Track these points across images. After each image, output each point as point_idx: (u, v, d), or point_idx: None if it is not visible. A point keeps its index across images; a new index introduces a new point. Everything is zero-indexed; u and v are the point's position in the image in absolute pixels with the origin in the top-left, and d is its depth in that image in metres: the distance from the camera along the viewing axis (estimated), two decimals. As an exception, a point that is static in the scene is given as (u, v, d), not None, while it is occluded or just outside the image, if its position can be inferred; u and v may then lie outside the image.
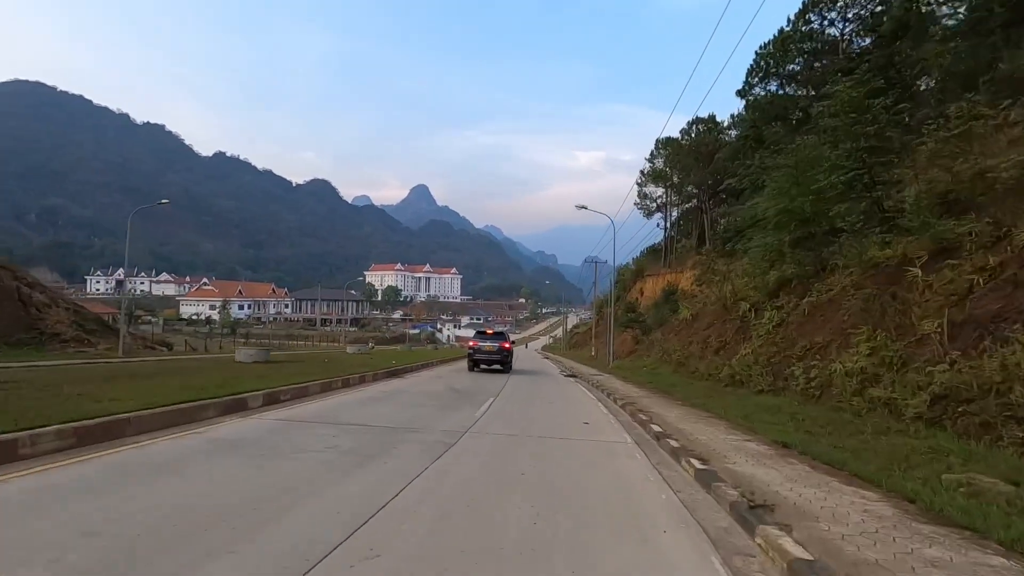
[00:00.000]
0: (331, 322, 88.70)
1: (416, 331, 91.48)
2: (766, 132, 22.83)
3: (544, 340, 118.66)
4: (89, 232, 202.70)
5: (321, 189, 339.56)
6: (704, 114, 33.29)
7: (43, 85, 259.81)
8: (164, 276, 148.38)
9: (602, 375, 20.80)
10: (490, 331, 23.51)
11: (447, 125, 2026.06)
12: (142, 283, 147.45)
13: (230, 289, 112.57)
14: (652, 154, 36.04)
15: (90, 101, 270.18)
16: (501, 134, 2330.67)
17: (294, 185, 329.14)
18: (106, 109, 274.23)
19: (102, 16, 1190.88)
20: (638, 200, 38.34)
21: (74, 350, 15.56)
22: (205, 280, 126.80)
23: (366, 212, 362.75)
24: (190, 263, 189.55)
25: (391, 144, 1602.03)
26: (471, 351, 21.26)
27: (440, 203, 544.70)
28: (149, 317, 60.97)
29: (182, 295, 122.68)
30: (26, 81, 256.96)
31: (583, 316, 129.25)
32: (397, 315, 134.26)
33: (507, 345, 21.45)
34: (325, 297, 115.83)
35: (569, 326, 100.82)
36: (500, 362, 20.86)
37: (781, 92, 25.28)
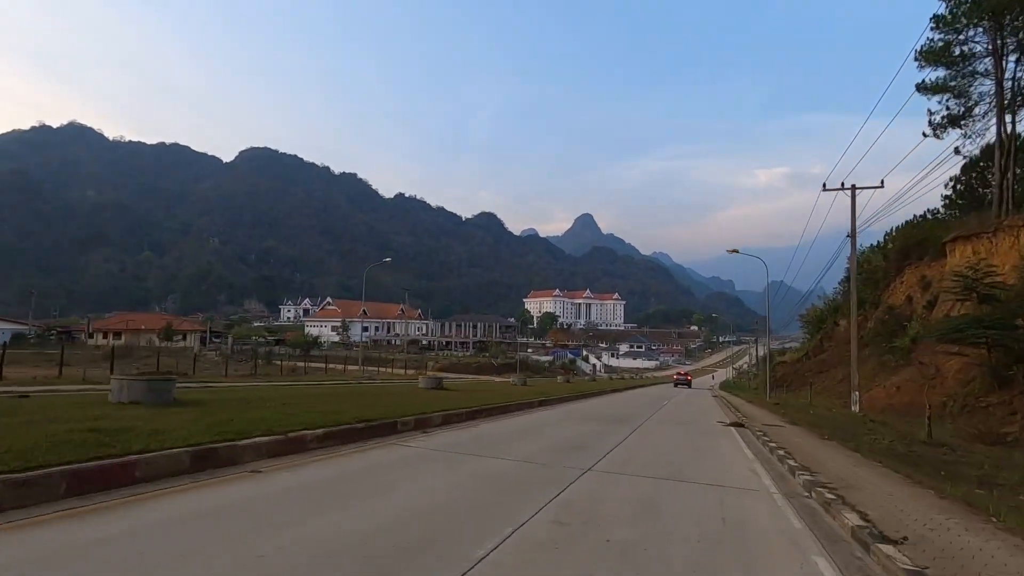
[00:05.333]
0: (452, 345, 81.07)
1: (549, 359, 75.80)
2: None
3: (722, 374, 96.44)
4: (292, 268, 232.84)
5: (488, 222, 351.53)
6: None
7: (268, 149, 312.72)
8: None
9: None
10: (682, 371, 60.94)
11: (617, 155, 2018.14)
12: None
13: (354, 309, 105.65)
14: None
15: (301, 159, 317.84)
16: (674, 159, 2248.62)
17: (463, 220, 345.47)
18: (313, 164, 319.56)
19: (309, 90, 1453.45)
20: (928, 82, 19.80)
21: None
22: (328, 300, 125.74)
23: (530, 242, 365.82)
24: (371, 294, 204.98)
25: (560, 179, 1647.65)
26: (675, 381, 54.17)
27: (605, 232, 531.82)
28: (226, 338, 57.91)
29: (311, 319, 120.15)
30: (256, 147, 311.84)
31: (771, 346, 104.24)
32: (550, 342, 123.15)
33: (688, 377, 56.54)
34: (467, 320, 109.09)
35: (750, 359, 78.91)
36: (687, 383, 52.40)
37: None
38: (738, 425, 14.16)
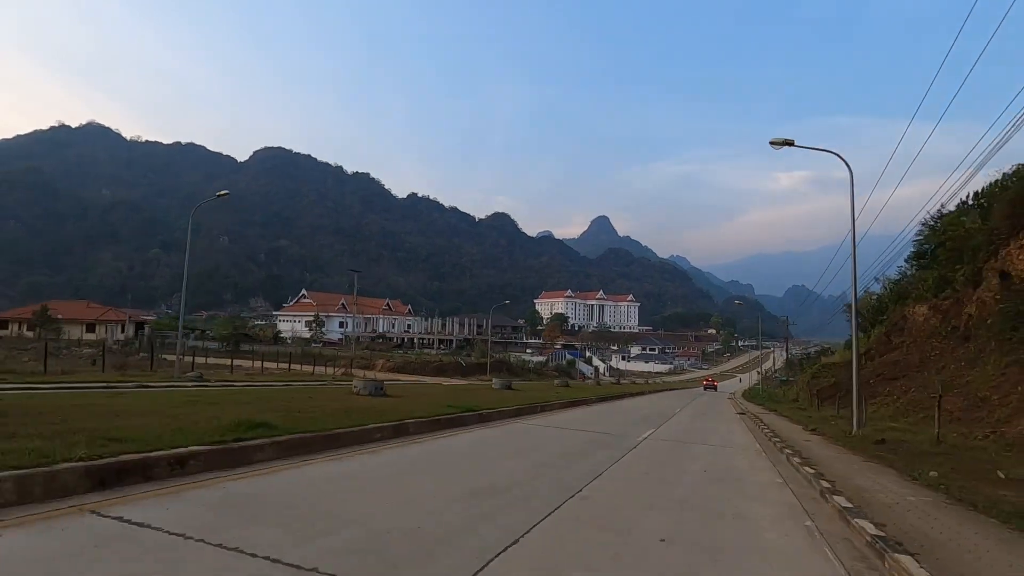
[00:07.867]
0: (433, 343, 76.02)
1: (543, 359, 68.31)
2: None
3: (747, 379, 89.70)
4: (302, 268, 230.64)
5: (502, 223, 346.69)
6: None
7: (283, 149, 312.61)
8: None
9: None
10: (709, 378, 75.68)
11: (635, 159, 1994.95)
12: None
13: (332, 302, 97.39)
14: None
15: (315, 159, 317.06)
16: (692, 162, 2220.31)
17: (477, 220, 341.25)
18: (326, 164, 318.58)
19: (325, 92, 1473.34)
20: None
21: None
22: (304, 293, 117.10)
23: (544, 243, 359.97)
24: (383, 295, 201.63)
25: (577, 183, 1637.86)
26: (704, 386, 64.38)
27: (622, 234, 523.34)
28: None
29: (284, 312, 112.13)
30: (271, 147, 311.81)
31: (793, 352, 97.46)
32: (560, 344, 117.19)
33: (715, 383, 69.38)
34: (460, 319, 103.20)
35: (773, 364, 72.43)
36: (713, 388, 62.96)
37: None
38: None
